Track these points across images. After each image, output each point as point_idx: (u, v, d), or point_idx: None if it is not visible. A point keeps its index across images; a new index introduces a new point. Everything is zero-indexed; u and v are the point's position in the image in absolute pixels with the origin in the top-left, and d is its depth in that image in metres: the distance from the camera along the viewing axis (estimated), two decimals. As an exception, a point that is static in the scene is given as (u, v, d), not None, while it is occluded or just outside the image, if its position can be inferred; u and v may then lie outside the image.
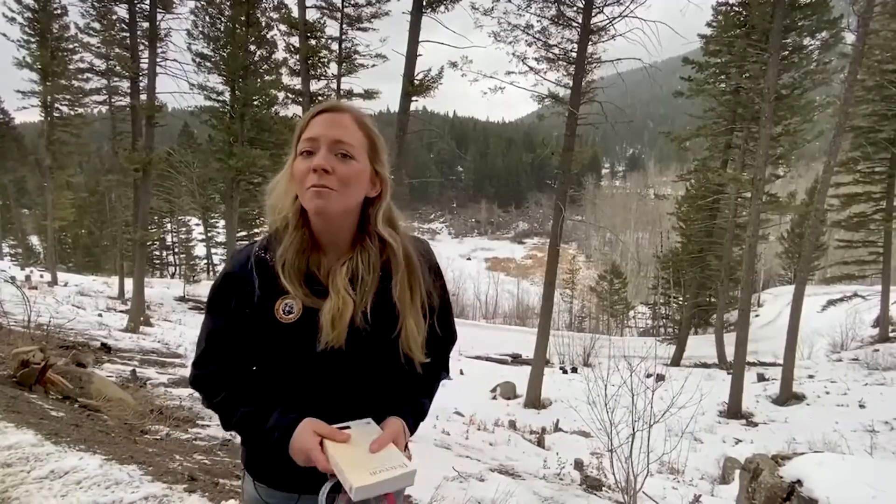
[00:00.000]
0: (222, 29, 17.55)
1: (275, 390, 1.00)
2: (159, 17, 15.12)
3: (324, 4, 14.13)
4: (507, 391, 13.13)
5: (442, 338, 1.12)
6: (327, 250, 1.01)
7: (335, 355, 0.96)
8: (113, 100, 20.75)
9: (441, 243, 75.53)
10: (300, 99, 14.79)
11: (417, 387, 1.10)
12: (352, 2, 14.16)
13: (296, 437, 0.92)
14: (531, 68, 13.11)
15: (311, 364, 0.97)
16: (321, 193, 0.92)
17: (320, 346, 0.94)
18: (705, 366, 18.07)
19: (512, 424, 9.91)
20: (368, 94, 14.93)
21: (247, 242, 1.09)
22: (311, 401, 0.99)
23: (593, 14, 11.85)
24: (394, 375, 1.05)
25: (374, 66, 14.99)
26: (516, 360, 18.97)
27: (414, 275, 1.02)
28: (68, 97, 21.30)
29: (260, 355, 1.01)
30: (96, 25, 17.99)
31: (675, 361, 18.98)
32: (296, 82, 15.42)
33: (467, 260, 68.38)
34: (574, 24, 12.43)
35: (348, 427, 0.96)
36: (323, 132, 0.94)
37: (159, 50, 15.17)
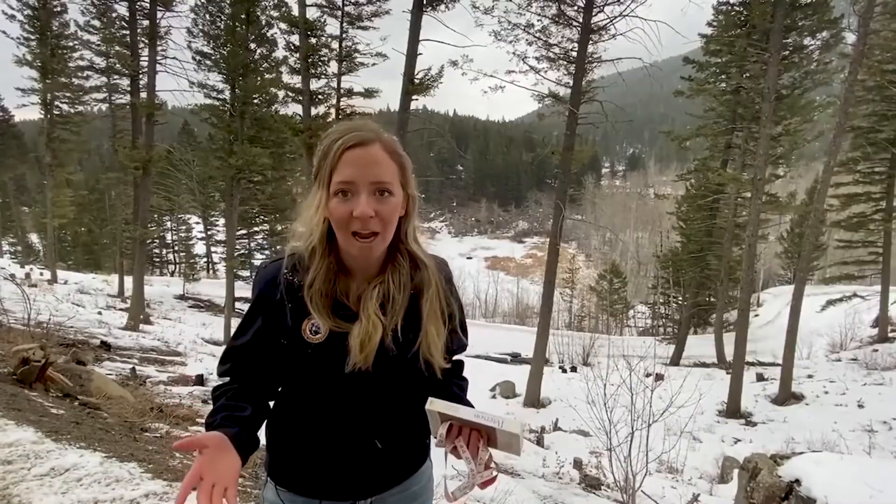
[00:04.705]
0: (222, 27, 17.53)
1: (303, 409, 1.01)
2: (159, 14, 15.14)
3: (324, 3, 14.12)
4: (507, 390, 13.15)
5: (456, 346, 1.13)
6: (356, 274, 1.00)
7: (362, 376, 0.97)
8: (113, 97, 20.78)
9: (441, 242, 75.58)
10: (300, 97, 14.78)
11: (447, 393, 1.11)
12: (352, 0, 14.15)
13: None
14: (531, 67, 13.12)
15: (338, 384, 0.98)
16: (367, 245, 0.92)
17: (348, 369, 0.96)
18: (704, 365, 18.07)
19: (511, 423, 9.91)
20: (368, 93, 14.92)
21: (268, 258, 1.09)
22: (338, 419, 1.00)
23: (594, 13, 11.85)
24: (418, 389, 1.05)
25: (374, 64, 14.99)
26: (516, 359, 18.96)
27: (439, 288, 1.03)
28: (68, 95, 21.29)
29: (287, 375, 1.02)
30: (96, 23, 18.05)
31: (675, 361, 19.00)
32: (296, 80, 15.39)
33: (467, 259, 68.36)
34: (574, 23, 12.42)
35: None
36: (360, 174, 0.90)
37: (159, 48, 15.18)
